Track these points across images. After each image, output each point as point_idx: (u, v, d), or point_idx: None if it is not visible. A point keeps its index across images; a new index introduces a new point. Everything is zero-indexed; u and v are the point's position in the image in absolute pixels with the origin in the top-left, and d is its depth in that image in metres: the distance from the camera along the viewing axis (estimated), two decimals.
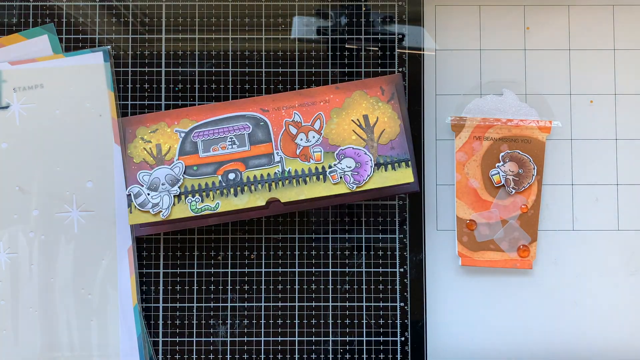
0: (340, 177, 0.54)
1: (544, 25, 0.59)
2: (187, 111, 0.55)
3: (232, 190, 0.54)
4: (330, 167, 0.54)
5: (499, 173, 0.57)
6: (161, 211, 0.53)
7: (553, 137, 0.58)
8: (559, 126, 0.58)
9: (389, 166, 0.54)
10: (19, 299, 0.56)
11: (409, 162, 0.54)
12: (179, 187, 0.54)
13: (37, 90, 0.57)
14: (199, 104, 0.58)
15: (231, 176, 0.54)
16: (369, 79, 0.56)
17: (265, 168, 0.54)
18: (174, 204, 0.53)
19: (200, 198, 0.54)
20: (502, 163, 0.57)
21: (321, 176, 0.54)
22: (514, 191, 0.57)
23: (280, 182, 0.54)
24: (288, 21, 0.59)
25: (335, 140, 0.54)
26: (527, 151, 0.57)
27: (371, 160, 0.54)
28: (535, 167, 0.57)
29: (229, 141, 0.55)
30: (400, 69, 0.58)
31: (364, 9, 0.59)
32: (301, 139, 0.54)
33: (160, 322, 0.57)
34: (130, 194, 0.53)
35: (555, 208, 0.58)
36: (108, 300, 0.56)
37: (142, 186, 0.54)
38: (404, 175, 0.54)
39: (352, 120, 0.55)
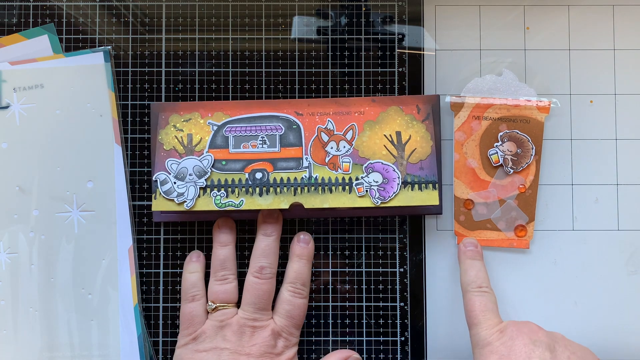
0: (366, 191, 0.53)
1: (544, 25, 0.59)
2: (222, 105, 0.55)
3: (257, 189, 0.54)
4: (357, 179, 0.54)
5: (497, 153, 0.57)
6: (185, 201, 0.53)
7: (553, 137, 0.58)
8: (558, 105, 0.57)
9: (416, 186, 0.54)
10: (19, 299, 0.56)
11: (436, 185, 0.54)
12: (205, 179, 0.54)
13: (37, 90, 0.57)
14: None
15: (258, 175, 0.54)
16: (406, 95, 0.56)
17: (292, 172, 0.54)
18: (198, 196, 0.53)
19: (225, 193, 0.54)
20: (500, 143, 0.57)
21: (347, 187, 0.53)
22: (512, 171, 0.57)
23: (305, 188, 0.53)
24: (288, 21, 0.59)
25: (365, 153, 0.54)
26: (526, 131, 0.57)
27: (399, 177, 0.54)
28: (534, 147, 0.57)
29: (260, 140, 0.54)
30: (400, 69, 0.58)
31: (364, 9, 0.59)
32: (332, 147, 0.54)
33: (160, 322, 0.57)
34: (157, 180, 0.53)
35: (555, 208, 0.58)
36: (108, 300, 0.56)
37: (170, 174, 0.54)
38: (430, 197, 0.53)
39: (385, 135, 0.54)
